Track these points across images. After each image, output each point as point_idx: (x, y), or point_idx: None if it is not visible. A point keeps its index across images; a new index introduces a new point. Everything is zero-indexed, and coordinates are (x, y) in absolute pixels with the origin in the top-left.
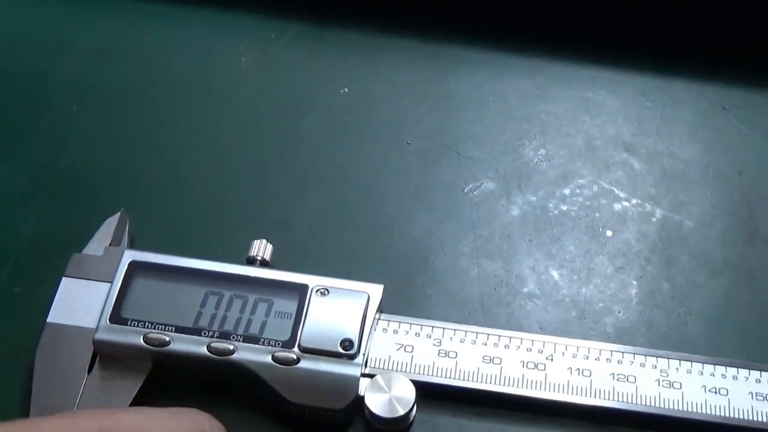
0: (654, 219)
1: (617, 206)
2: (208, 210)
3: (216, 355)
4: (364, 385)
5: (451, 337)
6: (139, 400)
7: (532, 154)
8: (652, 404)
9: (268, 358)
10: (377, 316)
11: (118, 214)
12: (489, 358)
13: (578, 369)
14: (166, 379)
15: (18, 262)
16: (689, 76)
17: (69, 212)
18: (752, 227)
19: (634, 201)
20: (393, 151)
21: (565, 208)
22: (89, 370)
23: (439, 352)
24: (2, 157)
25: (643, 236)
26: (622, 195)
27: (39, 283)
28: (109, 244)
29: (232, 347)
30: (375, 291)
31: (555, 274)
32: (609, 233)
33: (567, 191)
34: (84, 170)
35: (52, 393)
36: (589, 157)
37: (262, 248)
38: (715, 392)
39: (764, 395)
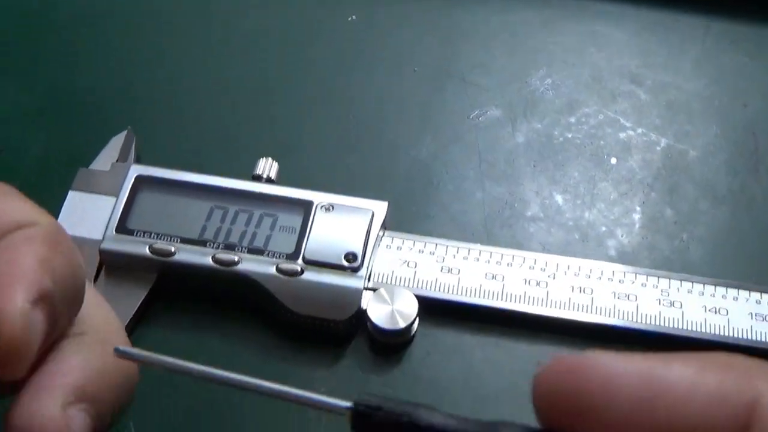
0: (658, 148)
1: (622, 135)
2: (215, 129)
3: (221, 265)
4: (367, 298)
5: (454, 255)
6: (144, 310)
7: (538, 83)
8: (653, 323)
9: (273, 269)
10: (381, 233)
11: (125, 131)
12: (491, 275)
13: (580, 287)
14: (171, 290)
15: (26, 178)
16: (696, 10)
17: (76, 130)
18: (756, 158)
19: (639, 130)
20: (400, 78)
21: (570, 135)
22: (95, 280)
23: (442, 269)
24: (10, 77)
25: (648, 164)
26: (627, 124)
27: (47, 199)
28: (116, 161)
29: (236, 258)
30: (379, 208)
31: (559, 198)
32: (613, 161)
33: (572, 119)
34: (92, 89)
35: None
36: (595, 88)
37: (267, 166)
38: (715, 312)
39: (764, 316)
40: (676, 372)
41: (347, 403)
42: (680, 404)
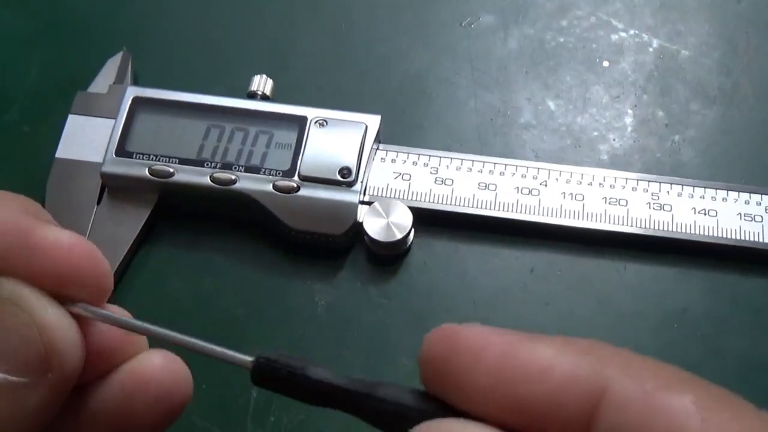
0: (651, 49)
1: (614, 37)
2: (209, 47)
3: (219, 185)
4: (362, 212)
5: (447, 165)
6: (147, 230)
7: None
8: (643, 226)
9: (269, 187)
10: (375, 146)
11: (121, 52)
12: (484, 185)
13: (571, 194)
14: (172, 210)
15: (25, 101)
16: None
17: (72, 52)
18: (748, 56)
19: (631, 31)
20: None
21: (562, 39)
22: (98, 202)
23: (435, 180)
24: (4, 0)
25: (640, 66)
26: (619, 26)
27: (46, 122)
28: (113, 82)
29: (234, 177)
30: (372, 121)
31: (551, 104)
32: (606, 64)
33: (564, 23)
34: (86, 10)
35: (63, 225)
36: None
37: (262, 83)
38: (705, 213)
39: (752, 215)
40: (537, 350)
41: (250, 358)
42: (535, 380)
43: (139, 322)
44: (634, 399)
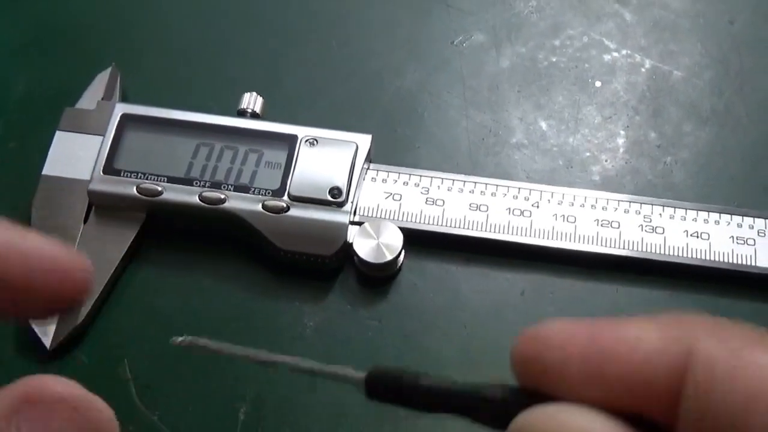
0: (643, 69)
1: (607, 57)
2: (199, 64)
3: (207, 204)
4: (352, 233)
5: (438, 186)
6: (135, 249)
7: (522, 5)
8: (635, 249)
9: (259, 207)
10: (366, 166)
11: (110, 68)
12: (476, 206)
13: (563, 215)
14: (160, 229)
15: (11, 117)
16: None
17: (60, 67)
18: (741, 76)
19: (624, 52)
20: (382, 4)
21: (554, 59)
22: (85, 220)
23: (426, 200)
24: None
25: (632, 86)
26: (612, 46)
27: (33, 138)
28: (101, 98)
29: (223, 196)
30: (363, 141)
31: (543, 124)
32: (598, 84)
33: (557, 42)
34: (75, 25)
35: None
36: (580, 9)
37: (252, 101)
38: (697, 236)
39: (744, 239)
40: (620, 329)
41: (362, 374)
42: (625, 358)
43: (243, 349)
44: (721, 357)
